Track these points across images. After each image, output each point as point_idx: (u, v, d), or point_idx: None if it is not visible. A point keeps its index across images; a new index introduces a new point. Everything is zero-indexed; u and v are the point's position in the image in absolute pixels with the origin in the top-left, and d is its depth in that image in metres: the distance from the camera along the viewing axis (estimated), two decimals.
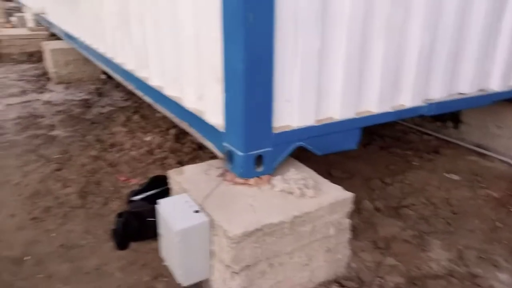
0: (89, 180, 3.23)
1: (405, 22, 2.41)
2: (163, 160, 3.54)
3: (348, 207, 2.05)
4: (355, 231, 2.44)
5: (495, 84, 3.06)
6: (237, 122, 2.03)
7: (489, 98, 3.06)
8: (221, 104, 2.11)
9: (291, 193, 2.04)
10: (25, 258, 2.41)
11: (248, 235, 1.78)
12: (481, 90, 3.02)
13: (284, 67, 2.06)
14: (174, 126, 4.06)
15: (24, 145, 3.91)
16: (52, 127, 4.35)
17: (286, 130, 2.17)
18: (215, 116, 2.22)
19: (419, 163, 3.42)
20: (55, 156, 3.65)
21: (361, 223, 2.63)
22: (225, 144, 2.16)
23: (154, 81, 2.95)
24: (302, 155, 2.36)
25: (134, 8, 2.98)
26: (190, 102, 2.48)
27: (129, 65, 3.36)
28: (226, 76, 2.02)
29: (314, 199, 1.99)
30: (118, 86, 5.64)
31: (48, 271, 2.31)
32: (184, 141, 3.88)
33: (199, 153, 3.64)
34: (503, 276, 2.25)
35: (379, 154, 3.59)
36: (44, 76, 6.28)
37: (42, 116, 4.66)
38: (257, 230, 1.80)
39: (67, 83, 5.88)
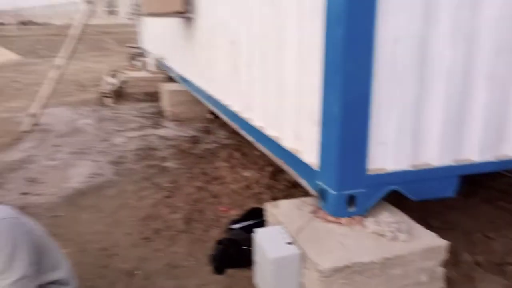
0: (194, 208, 3.57)
1: (510, 71, 2.37)
2: (259, 195, 3.77)
3: (443, 255, 2.02)
4: (451, 283, 2.35)
5: None
6: (331, 162, 2.17)
7: None
8: (317, 144, 2.27)
9: (383, 235, 2.08)
10: (136, 272, 2.75)
11: (337, 270, 1.86)
12: None
13: (379, 112, 2.16)
14: (271, 164, 4.30)
15: (141, 173, 4.45)
16: (164, 159, 4.89)
17: (380, 172, 2.24)
18: (310, 155, 2.38)
19: None
20: (166, 185, 4.09)
21: (458, 276, 2.51)
22: (318, 182, 2.30)
23: (256, 122, 3.23)
24: (399, 201, 2.38)
25: (244, 57, 3.34)
26: (287, 142, 2.69)
27: (235, 107, 3.72)
28: (323, 119, 2.19)
29: (407, 244, 2.00)
30: (223, 125, 6.14)
31: (155, 285, 2.61)
32: (279, 178, 4.08)
33: (292, 191, 3.80)
34: None
35: (482, 206, 3.39)
36: (159, 113, 7.10)
37: (157, 149, 5.26)
38: (347, 267, 1.87)
39: (179, 121, 6.57)
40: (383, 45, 2.07)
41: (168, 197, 3.82)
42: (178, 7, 4.38)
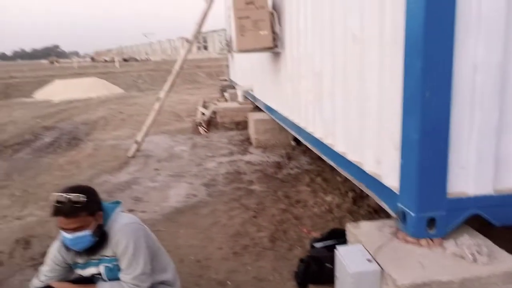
0: (278, 228, 3.82)
1: None
2: (341, 219, 3.90)
3: None
4: None
5: None
6: (411, 185, 2.29)
7: None
8: (398, 169, 2.40)
9: (462, 257, 2.12)
10: (228, 282, 3.05)
11: (416, 287, 1.96)
12: None
13: (459, 137, 2.25)
14: (353, 189, 4.42)
15: (230, 195, 4.83)
16: (251, 182, 5.24)
17: (461, 196, 2.30)
18: (391, 179, 2.51)
19: None
20: (252, 206, 4.41)
21: None
22: (399, 205, 2.41)
23: (338, 148, 3.43)
24: (484, 227, 2.39)
25: (327, 86, 3.59)
26: (369, 166, 2.84)
27: (318, 133, 3.96)
28: (403, 144, 2.33)
29: (487, 266, 2.03)
30: (304, 152, 6.39)
31: None
32: (361, 204, 4.18)
33: (374, 217, 3.87)
34: None
35: None
36: (247, 141, 7.58)
37: (244, 173, 5.65)
38: (425, 284, 1.96)
39: (264, 147, 6.96)
40: (463, 72, 2.18)
41: (254, 217, 4.12)
42: (269, 43, 4.80)
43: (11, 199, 5.07)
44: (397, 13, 2.32)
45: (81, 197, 1.98)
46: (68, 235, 2.01)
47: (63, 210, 1.94)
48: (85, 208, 2.00)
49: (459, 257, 2.13)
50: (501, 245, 2.25)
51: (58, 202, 1.94)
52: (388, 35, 2.46)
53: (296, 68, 4.57)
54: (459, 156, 2.27)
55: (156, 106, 7.05)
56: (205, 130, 8.59)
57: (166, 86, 7.00)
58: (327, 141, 3.67)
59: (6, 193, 5.28)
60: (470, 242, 2.17)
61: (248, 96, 8.88)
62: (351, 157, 3.14)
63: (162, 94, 7.08)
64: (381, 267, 2.15)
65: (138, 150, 6.96)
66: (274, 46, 4.96)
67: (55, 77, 23.23)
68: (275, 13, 5.00)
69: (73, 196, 1.96)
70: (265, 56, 5.94)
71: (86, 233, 2.03)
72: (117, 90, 20.11)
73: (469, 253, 2.11)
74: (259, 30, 4.67)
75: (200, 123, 8.87)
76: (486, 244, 2.21)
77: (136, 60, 52.75)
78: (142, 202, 4.79)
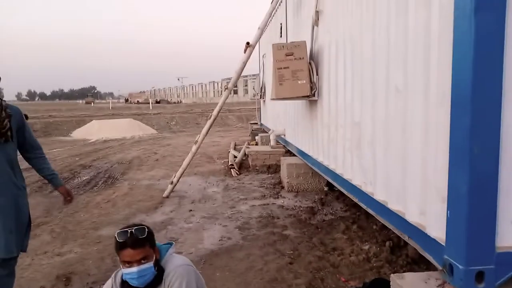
0: (315, 275, 3.78)
1: None
2: (379, 268, 3.84)
3: None
4: None
5: None
6: (459, 237, 2.28)
7: None
8: (444, 220, 2.40)
9: None
10: None
11: None
12: None
13: (509, 192, 2.25)
14: (390, 238, 4.36)
15: (264, 239, 4.84)
16: (285, 227, 5.25)
17: (511, 250, 2.27)
18: (437, 231, 2.51)
19: None
20: (288, 252, 4.40)
21: None
22: (445, 257, 2.39)
23: (378, 196, 3.44)
24: None
25: (367, 136, 3.66)
26: (412, 216, 2.84)
27: (356, 181, 3.99)
28: (451, 197, 2.34)
29: None
30: (338, 198, 6.37)
31: None
32: (399, 254, 4.10)
33: (413, 267, 3.79)
34: None
35: None
36: (278, 184, 7.63)
37: (277, 217, 5.66)
38: None
39: (296, 191, 6.99)
40: (510, 130, 2.22)
41: (290, 263, 4.10)
42: (306, 92, 4.98)
43: (51, 235, 5.24)
44: (444, 69, 2.41)
45: (145, 229, 2.16)
46: (132, 269, 2.11)
47: (130, 241, 2.10)
48: (148, 240, 2.16)
49: None
50: None
51: (124, 235, 2.10)
52: (434, 89, 2.54)
53: (334, 117, 4.68)
54: (509, 210, 2.26)
55: (193, 148, 7.26)
56: (237, 172, 8.72)
57: (204, 130, 7.23)
58: (367, 189, 3.70)
59: (47, 229, 5.47)
60: None
61: (280, 140, 9.03)
62: (393, 206, 3.15)
63: (199, 137, 7.31)
64: None
65: (173, 191, 7.12)
66: (311, 95, 5.13)
67: (91, 117, 24.28)
68: (313, 64, 5.21)
69: (137, 228, 2.14)
70: (300, 103, 6.12)
71: (150, 265, 2.15)
72: (150, 131, 20.79)
73: None
74: (298, 80, 4.86)
75: (232, 165, 9.02)
76: None
77: (168, 102, 54.55)
78: (177, 243, 4.85)
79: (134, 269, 2.11)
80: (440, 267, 2.47)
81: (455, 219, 2.32)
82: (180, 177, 7.29)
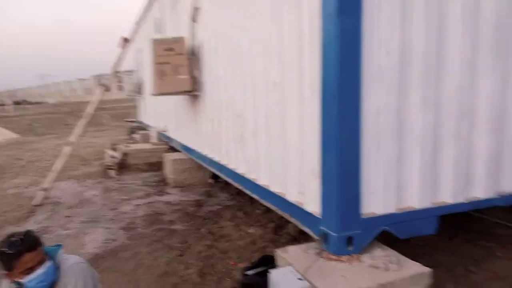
0: (205, 263, 3.90)
1: (471, 131, 2.94)
2: (264, 248, 4.12)
3: (427, 280, 2.42)
4: None
5: None
6: (331, 209, 2.62)
7: None
8: (318, 196, 2.73)
9: (377, 267, 2.48)
10: None
11: None
12: None
13: (369, 168, 2.67)
14: (272, 220, 4.70)
15: (152, 237, 4.78)
16: (172, 222, 5.24)
17: (372, 216, 2.69)
18: (313, 206, 2.83)
19: (503, 254, 3.56)
20: (177, 245, 4.43)
21: None
22: (321, 227, 2.73)
23: (261, 181, 3.70)
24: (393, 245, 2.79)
25: (250, 127, 3.88)
26: (292, 196, 3.14)
27: (240, 169, 4.21)
28: (323, 175, 2.68)
29: (397, 272, 2.41)
30: (223, 188, 6.58)
31: None
32: (281, 233, 4.46)
33: (294, 243, 4.13)
34: None
35: (464, 246, 3.79)
36: (163, 181, 7.52)
37: (164, 214, 5.62)
38: None
39: (182, 187, 6.99)
40: (368, 116, 2.63)
41: (180, 255, 4.14)
42: (187, 87, 5.02)
43: None
44: (314, 66, 2.72)
45: (30, 231, 2.11)
46: (38, 272, 2.03)
47: (26, 246, 2.01)
48: (40, 240, 2.11)
49: (374, 267, 2.48)
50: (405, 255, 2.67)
51: (16, 243, 1.99)
52: (307, 85, 2.85)
53: (217, 110, 4.83)
54: (370, 183, 2.68)
55: (67, 150, 6.73)
56: (116, 173, 8.34)
57: (79, 130, 6.75)
58: (251, 176, 3.93)
59: None
60: (382, 254, 2.55)
61: (163, 137, 8.90)
62: (275, 189, 3.43)
63: (73, 138, 6.80)
64: (311, 283, 2.40)
65: (45, 197, 6.51)
66: (193, 90, 5.20)
67: None
68: (195, 59, 5.28)
69: (24, 232, 2.07)
70: (183, 98, 6.13)
71: (50, 263, 2.09)
72: (10, 135, 18.45)
73: (382, 264, 2.47)
74: (179, 75, 4.88)
75: (111, 166, 8.58)
76: (394, 255, 2.60)
77: (29, 103, 48.91)
78: None
79: (40, 271, 2.04)
80: (317, 237, 2.80)
81: (327, 194, 2.65)
82: (52, 182, 6.70)
